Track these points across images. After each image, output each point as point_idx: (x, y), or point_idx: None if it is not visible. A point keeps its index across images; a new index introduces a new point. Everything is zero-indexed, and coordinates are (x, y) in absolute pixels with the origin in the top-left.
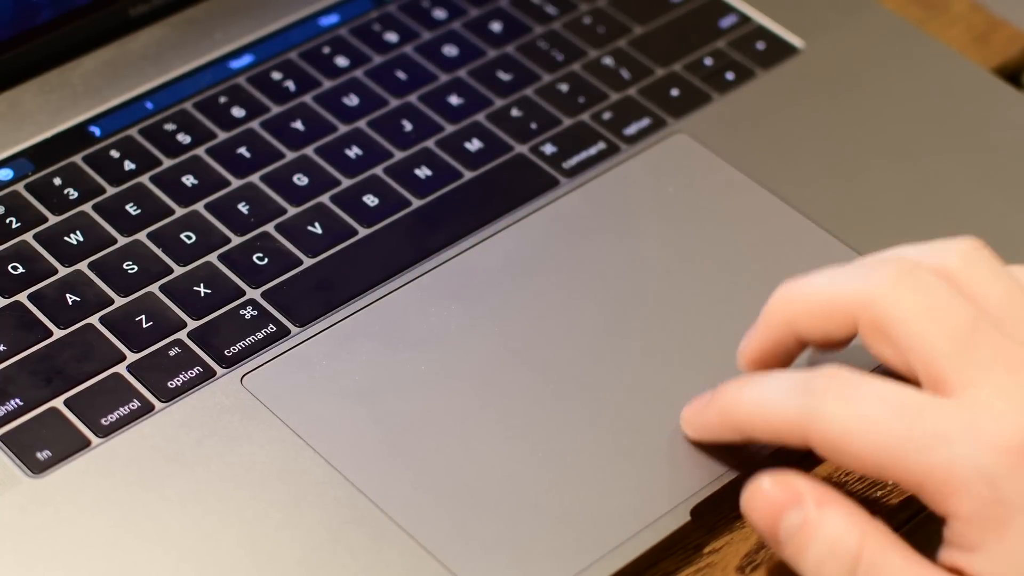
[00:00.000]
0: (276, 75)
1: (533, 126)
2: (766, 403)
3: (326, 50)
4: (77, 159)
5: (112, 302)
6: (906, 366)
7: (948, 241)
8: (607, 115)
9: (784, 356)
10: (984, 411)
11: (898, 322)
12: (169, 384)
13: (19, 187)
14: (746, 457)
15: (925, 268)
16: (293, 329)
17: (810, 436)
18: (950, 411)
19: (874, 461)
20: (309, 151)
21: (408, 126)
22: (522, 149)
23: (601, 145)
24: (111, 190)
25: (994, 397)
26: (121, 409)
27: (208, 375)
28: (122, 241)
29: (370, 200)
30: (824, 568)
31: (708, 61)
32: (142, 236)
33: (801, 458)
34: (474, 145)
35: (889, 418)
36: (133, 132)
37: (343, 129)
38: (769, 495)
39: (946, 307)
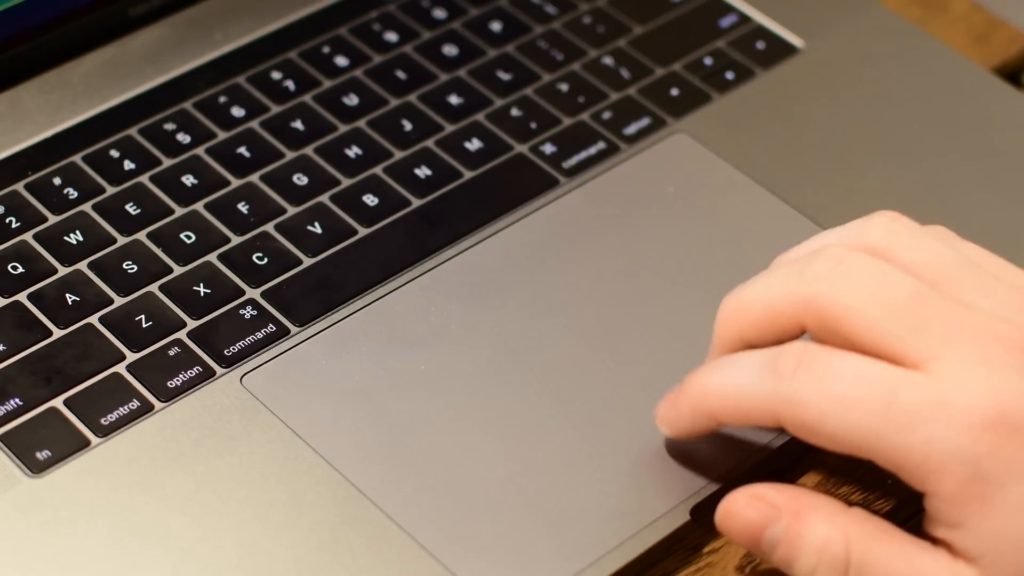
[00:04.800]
0: (276, 75)
1: (533, 126)
2: (735, 389)
3: (326, 50)
4: (77, 159)
5: (112, 302)
6: (864, 352)
7: (865, 219)
8: (607, 115)
9: None
10: (953, 385)
11: (843, 316)
12: (169, 384)
13: (19, 187)
14: (742, 457)
15: (853, 252)
16: (293, 329)
17: (783, 419)
18: (922, 386)
19: (849, 442)
20: (309, 151)
21: (408, 126)
22: (522, 149)
23: (601, 145)
24: (111, 190)
25: (959, 367)
26: (121, 409)
27: (208, 375)
28: (122, 241)
29: (370, 200)
30: (822, 553)
31: (708, 61)
32: (142, 236)
33: (795, 461)
34: (474, 145)
35: (863, 398)
36: (133, 132)
37: (343, 129)
38: (743, 515)
39: (885, 286)
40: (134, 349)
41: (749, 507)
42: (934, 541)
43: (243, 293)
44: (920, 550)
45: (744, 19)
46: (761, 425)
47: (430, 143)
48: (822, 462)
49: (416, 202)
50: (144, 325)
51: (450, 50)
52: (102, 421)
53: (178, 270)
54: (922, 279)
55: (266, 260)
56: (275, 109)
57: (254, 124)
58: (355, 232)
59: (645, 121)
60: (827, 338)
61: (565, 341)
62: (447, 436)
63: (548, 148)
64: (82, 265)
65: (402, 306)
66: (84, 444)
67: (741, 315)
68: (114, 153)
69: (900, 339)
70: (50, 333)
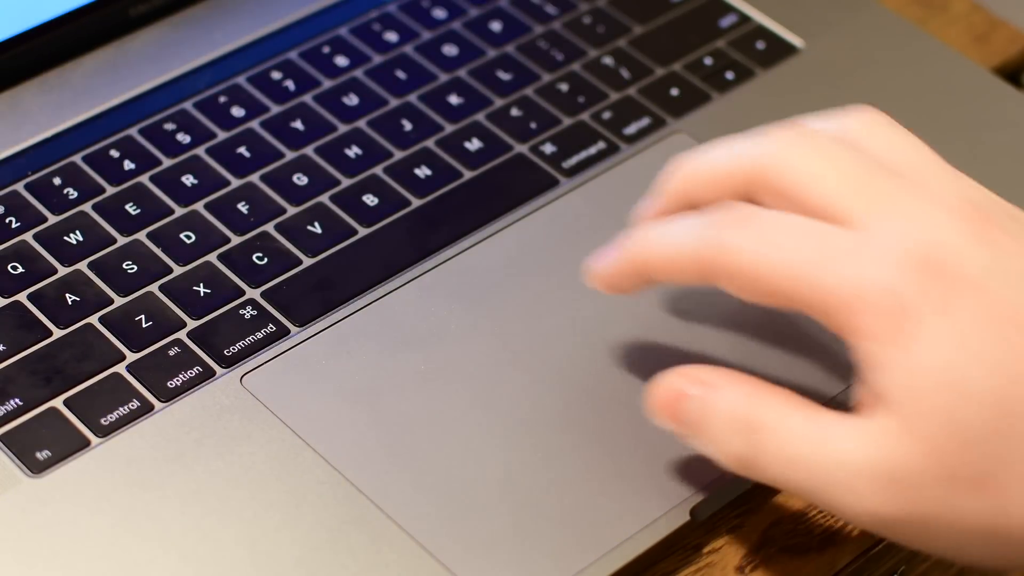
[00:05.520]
0: (276, 75)
1: (533, 126)
2: (672, 239)
3: (326, 50)
4: (77, 159)
5: (112, 302)
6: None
7: (846, 110)
8: (607, 115)
9: None
10: (888, 228)
11: (792, 177)
12: (169, 384)
13: (19, 187)
14: None
15: (823, 132)
16: (293, 329)
17: (716, 269)
18: (856, 234)
19: (781, 285)
20: (309, 151)
21: (408, 126)
22: (522, 149)
23: (601, 145)
24: (111, 190)
25: (898, 218)
26: (121, 409)
27: (208, 375)
28: (122, 241)
29: (370, 200)
30: (726, 441)
31: (708, 61)
32: (142, 236)
33: None
34: (474, 145)
35: (795, 241)
36: (133, 132)
37: (343, 129)
38: (667, 386)
39: (841, 158)
40: (134, 349)
41: (671, 381)
42: (857, 407)
43: (243, 293)
44: (831, 417)
45: (744, 19)
46: (695, 280)
47: (430, 143)
48: None
49: (416, 202)
50: (144, 325)
51: (450, 50)
52: (102, 421)
53: (178, 270)
54: (888, 165)
55: (266, 260)
56: (275, 109)
57: (254, 124)
58: (355, 232)
59: (645, 121)
60: (772, 203)
61: (565, 341)
62: (447, 436)
63: (548, 148)
64: (82, 265)
65: (402, 306)
66: (84, 444)
67: (694, 173)
68: (114, 153)
69: (845, 200)
70: (50, 333)
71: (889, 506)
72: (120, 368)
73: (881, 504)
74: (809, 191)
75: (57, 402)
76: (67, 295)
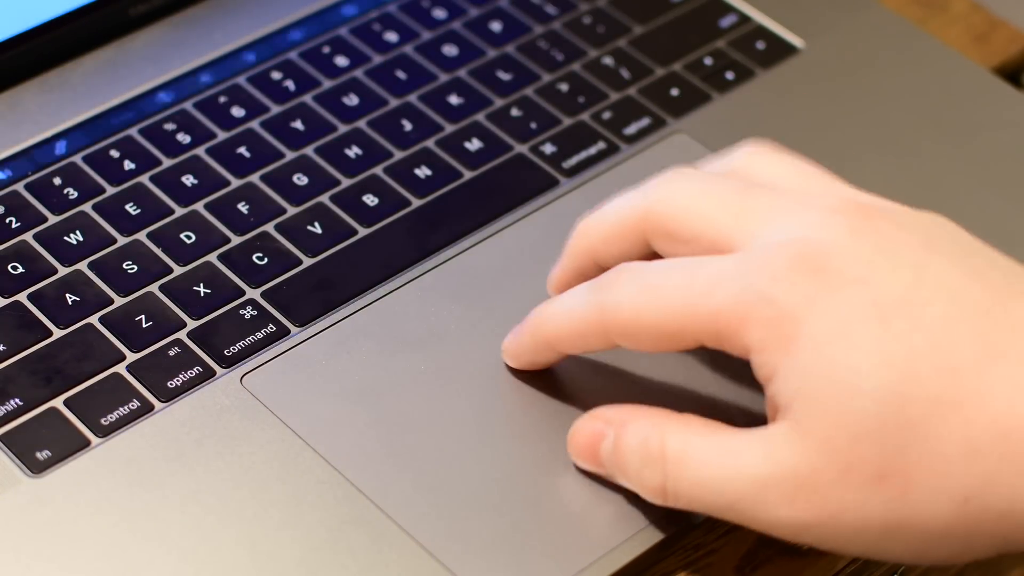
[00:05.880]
0: (276, 75)
1: (533, 126)
2: (566, 311)
3: (326, 50)
4: (77, 159)
5: (112, 302)
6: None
7: (738, 145)
8: (607, 115)
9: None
10: (765, 240)
11: (677, 217)
12: (169, 384)
13: (19, 187)
14: None
15: (703, 171)
16: (293, 329)
17: (608, 328)
18: (736, 256)
19: (666, 324)
20: (309, 151)
21: (408, 126)
22: (522, 149)
23: (601, 145)
24: (111, 190)
25: (774, 228)
26: (121, 409)
27: (208, 375)
28: (122, 241)
29: (370, 200)
30: (643, 477)
31: (708, 61)
32: (142, 236)
33: None
34: (474, 145)
35: (672, 281)
36: (133, 132)
37: (343, 129)
38: (580, 434)
39: (715, 187)
40: (134, 349)
41: (584, 426)
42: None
43: (243, 293)
44: (734, 434)
45: (744, 19)
46: (594, 347)
47: (430, 143)
48: None
49: (416, 202)
50: (144, 325)
51: (450, 50)
52: (102, 421)
53: (178, 270)
54: (764, 185)
55: (266, 260)
56: (275, 109)
57: (254, 124)
58: (355, 232)
59: (645, 121)
60: (667, 247)
61: None
62: (447, 436)
63: (548, 148)
64: (82, 265)
65: (402, 306)
66: (84, 444)
67: (592, 230)
68: (114, 153)
69: (728, 227)
70: (50, 333)
71: (800, 512)
72: (120, 368)
73: (792, 512)
74: (691, 226)
75: (57, 402)
76: (67, 295)
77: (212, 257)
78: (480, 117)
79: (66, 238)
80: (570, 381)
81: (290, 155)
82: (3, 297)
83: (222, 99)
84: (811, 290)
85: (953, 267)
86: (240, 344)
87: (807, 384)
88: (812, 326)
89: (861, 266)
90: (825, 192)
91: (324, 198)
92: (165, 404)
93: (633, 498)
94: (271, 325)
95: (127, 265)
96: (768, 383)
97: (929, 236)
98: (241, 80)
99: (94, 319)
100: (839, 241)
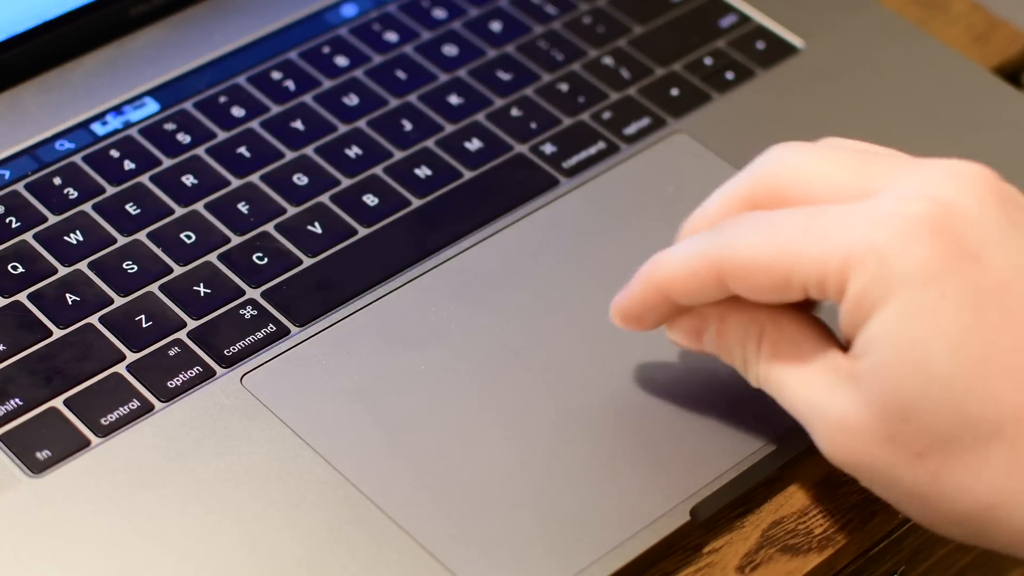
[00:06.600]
0: (276, 75)
1: (533, 126)
2: (681, 253)
3: (326, 50)
4: (77, 159)
5: (112, 302)
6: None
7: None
8: (607, 115)
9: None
10: (886, 196)
11: (793, 180)
12: (169, 384)
13: (19, 187)
14: (741, 457)
15: (808, 144)
16: (293, 329)
17: (723, 268)
18: (857, 204)
19: (778, 264)
20: (309, 151)
21: (408, 126)
22: (522, 149)
23: (601, 145)
24: (111, 190)
25: (898, 188)
26: (121, 409)
27: (208, 375)
28: (122, 241)
29: (370, 200)
30: (743, 346)
31: (708, 61)
32: (142, 236)
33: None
34: (474, 145)
35: (791, 221)
36: (133, 132)
37: (343, 129)
38: (687, 322)
39: (828, 150)
40: (134, 349)
41: (691, 316)
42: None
43: (243, 293)
44: (815, 356)
45: (744, 19)
46: (708, 294)
47: (430, 143)
48: (818, 464)
49: (416, 202)
50: (144, 325)
51: (450, 50)
52: (102, 421)
53: (178, 270)
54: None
55: (266, 260)
56: (275, 109)
57: (254, 124)
58: (355, 232)
59: (645, 121)
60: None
61: (565, 341)
62: (447, 436)
63: (548, 148)
64: (82, 265)
65: (402, 306)
66: (84, 444)
67: (696, 221)
68: (114, 153)
69: (847, 184)
70: (50, 333)
71: (837, 452)
72: (120, 368)
73: (830, 449)
74: (808, 187)
75: (57, 402)
76: (67, 295)
77: (212, 257)
78: (480, 117)
79: (66, 238)
80: (570, 381)
81: (290, 155)
82: (3, 297)
83: (222, 99)
84: (924, 255)
85: None
86: (240, 344)
87: (881, 348)
88: (909, 295)
89: (979, 238)
90: (937, 159)
91: (324, 198)
92: (165, 404)
93: (633, 498)
94: (271, 325)
95: (127, 265)
96: (849, 332)
97: None
98: (241, 80)
99: (94, 319)
100: (965, 205)
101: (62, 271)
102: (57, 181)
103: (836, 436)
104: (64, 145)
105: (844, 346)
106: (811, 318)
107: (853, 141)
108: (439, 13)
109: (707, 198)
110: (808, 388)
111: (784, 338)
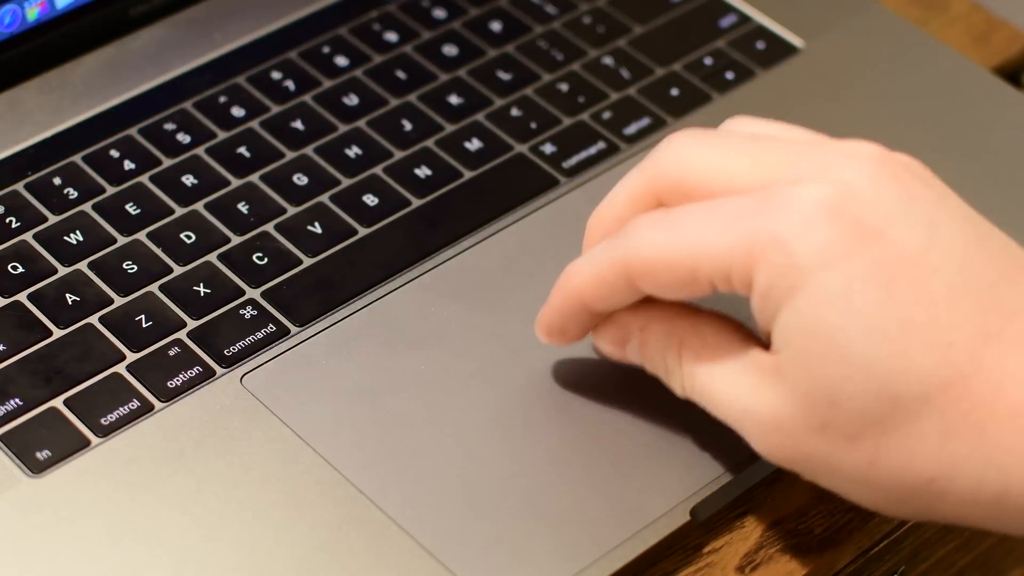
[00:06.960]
0: (276, 75)
1: (533, 126)
2: (590, 260)
3: (326, 50)
4: (77, 159)
5: (112, 302)
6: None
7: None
8: (607, 115)
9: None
10: (783, 184)
11: (691, 173)
12: (169, 384)
13: (19, 187)
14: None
15: (711, 130)
16: (293, 329)
17: (631, 270)
18: (751, 196)
19: (683, 261)
20: (309, 151)
21: (408, 126)
22: (522, 149)
23: (601, 145)
24: (111, 190)
25: (794, 176)
26: (121, 409)
27: (208, 375)
28: (122, 241)
29: (370, 200)
30: (664, 357)
31: (708, 61)
32: (142, 236)
33: None
34: (474, 145)
35: (691, 217)
36: (133, 132)
37: (343, 129)
38: (611, 331)
39: (724, 139)
40: (134, 349)
41: (612, 326)
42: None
43: (243, 293)
44: (737, 356)
45: (744, 19)
46: (619, 295)
47: (430, 143)
48: None
49: (416, 202)
50: (144, 325)
51: (450, 50)
52: (102, 421)
53: (178, 270)
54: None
55: (266, 260)
56: (275, 109)
57: (254, 124)
58: (355, 232)
59: (645, 121)
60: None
61: None
62: (447, 436)
63: (548, 148)
64: (82, 265)
65: (402, 306)
66: (84, 444)
67: (601, 217)
68: (114, 153)
69: (746, 174)
70: (50, 333)
71: (773, 450)
72: (120, 368)
73: (766, 448)
74: (708, 179)
75: (57, 402)
76: (67, 295)
77: (212, 257)
78: (480, 117)
79: (66, 238)
80: (570, 381)
81: (290, 155)
82: (3, 297)
83: (222, 99)
84: (826, 239)
85: (963, 230)
86: (240, 344)
87: (798, 339)
88: (817, 281)
89: (880, 215)
90: (834, 140)
91: (324, 198)
92: (165, 404)
93: (633, 498)
94: (271, 325)
95: (127, 265)
96: (765, 325)
97: (940, 193)
98: (241, 80)
99: (94, 319)
100: (861, 186)
101: (62, 271)
102: (57, 181)
103: (770, 435)
104: (64, 145)
105: (766, 344)
106: (732, 322)
107: (755, 122)
108: (439, 13)
109: (609, 193)
110: (734, 391)
111: (705, 344)
